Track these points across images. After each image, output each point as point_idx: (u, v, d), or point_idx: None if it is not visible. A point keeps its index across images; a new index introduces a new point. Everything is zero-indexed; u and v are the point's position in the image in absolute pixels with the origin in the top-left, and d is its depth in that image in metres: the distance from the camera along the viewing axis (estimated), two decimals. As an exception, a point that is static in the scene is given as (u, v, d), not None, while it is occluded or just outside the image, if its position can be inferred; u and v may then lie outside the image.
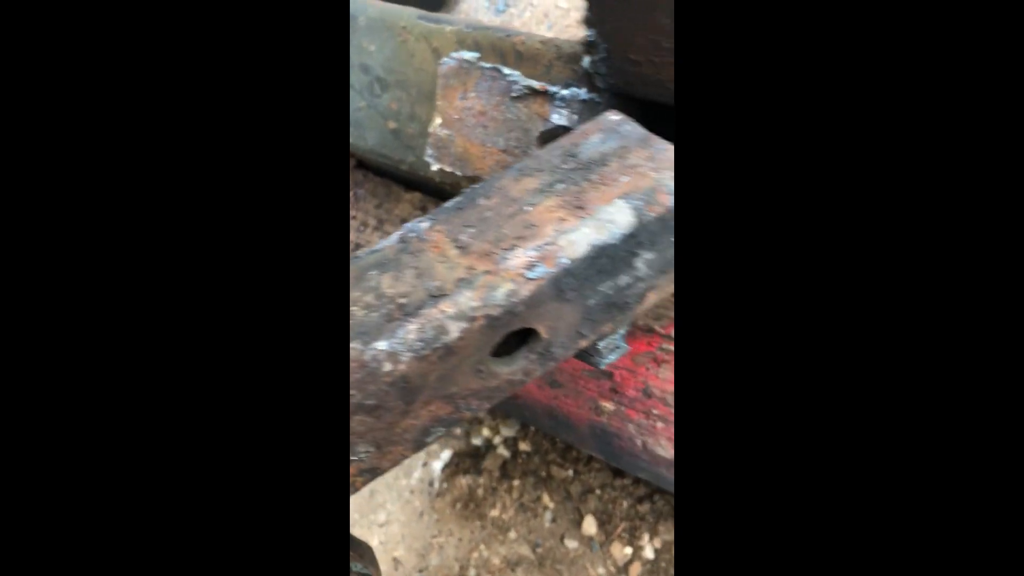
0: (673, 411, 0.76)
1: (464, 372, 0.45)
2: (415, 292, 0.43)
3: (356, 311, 0.43)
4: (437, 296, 0.43)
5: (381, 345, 0.41)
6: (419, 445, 0.47)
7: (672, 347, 0.78)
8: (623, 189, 0.46)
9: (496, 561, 1.23)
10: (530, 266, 0.44)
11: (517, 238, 0.45)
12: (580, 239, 0.45)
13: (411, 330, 0.42)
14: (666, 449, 0.76)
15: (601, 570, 1.16)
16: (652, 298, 0.50)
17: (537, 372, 0.48)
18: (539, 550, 1.21)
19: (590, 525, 1.18)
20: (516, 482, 1.26)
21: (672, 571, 1.13)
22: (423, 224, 0.47)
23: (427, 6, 1.61)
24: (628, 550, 1.15)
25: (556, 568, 1.20)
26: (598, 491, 1.20)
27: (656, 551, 1.15)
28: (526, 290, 0.44)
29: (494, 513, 1.25)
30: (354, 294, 0.44)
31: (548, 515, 1.21)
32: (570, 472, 1.23)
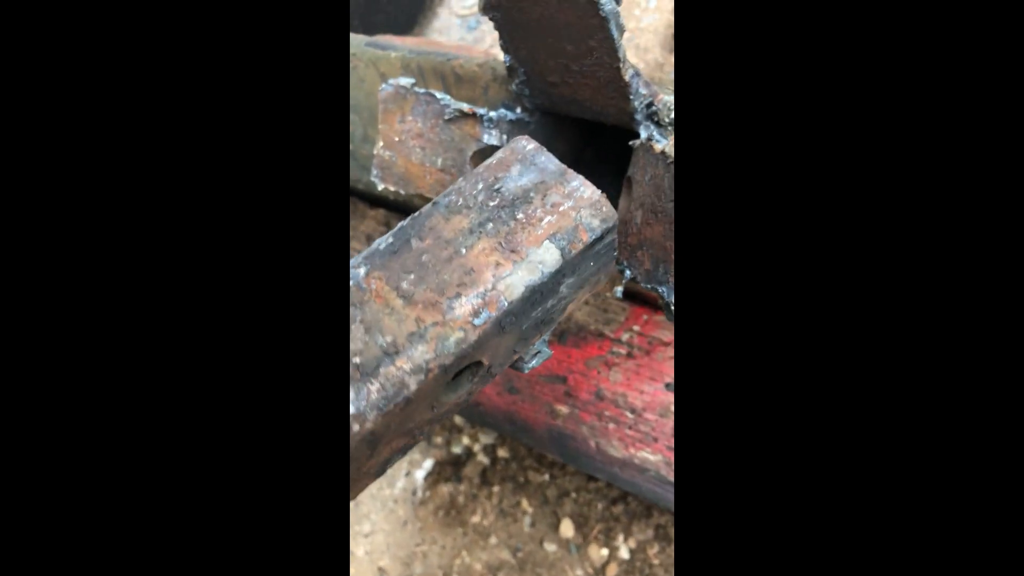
0: (623, 412, 0.79)
1: (421, 411, 0.48)
2: (368, 349, 0.45)
3: None
4: (392, 353, 0.45)
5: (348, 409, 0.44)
6: (380, 473, 0.50)
7: (622, 351, 0.81)
8: (549, 230, 0.50)
9: (478, 567, 1.25)
10: (475, 313, 0.47)
11: (459, 285, 0.47)
12: (517, 282, 0.48)
13: (373, 391, 0.44)
14: (617, 449, 0.79)
15: (580, 572, 1.18)
16: (571, 308, 0.54)
17: (478, 390, 0.52)
18: (519, 554, 1.23)
19: (567, 528, 1.20)
20: (495, 488, 1.29)
21: (647, 571, 1.15)
22: (359, 271, 0.48)
23: (399, 26, 1.64)
24: (604, 551, 1.17)
25: (536, 572, 1.22)
26: (573, 494, 1.22)
27: (631, 551, 1.17)
28: (474, 335, 0.47)
29: (475, 519, 1.27)
30: None
31: (527, 520, 1.24)
32: (546, 476, 1.25)
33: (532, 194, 0.51)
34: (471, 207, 0.51)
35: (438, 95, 0.63)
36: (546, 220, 0.50)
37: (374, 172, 0.68)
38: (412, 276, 0.48)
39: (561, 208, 0.51)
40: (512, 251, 0.49)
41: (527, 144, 0.53)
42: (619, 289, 0.60)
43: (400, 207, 0.95)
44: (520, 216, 0.50)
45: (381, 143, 0.66)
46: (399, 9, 1.59)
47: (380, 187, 0.68)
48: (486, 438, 1.33)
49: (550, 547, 1.20)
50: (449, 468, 1.33)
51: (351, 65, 0.79)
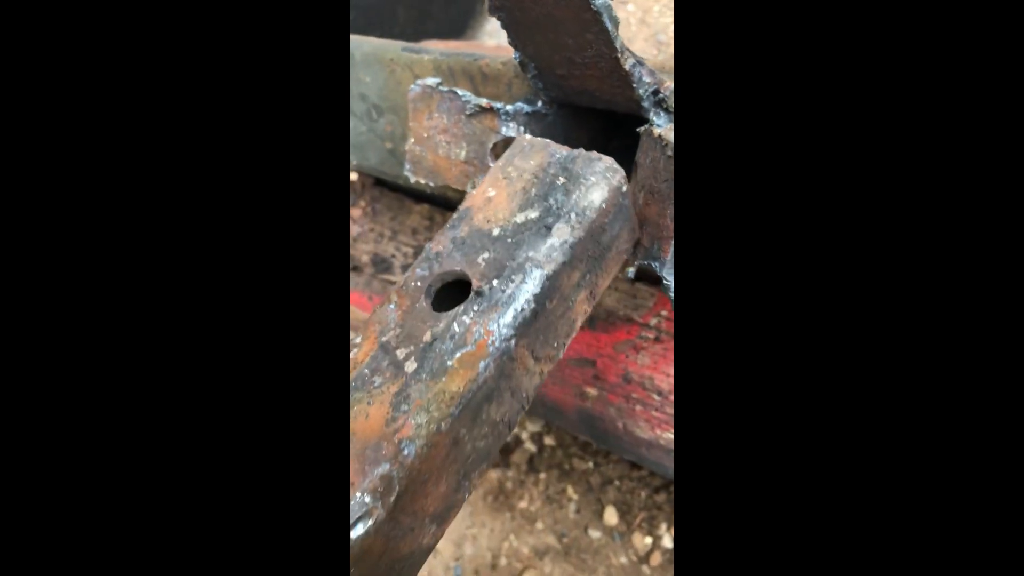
0: (650, 395, 0.81)
1: None
2: (511, 409, 0.53)
3: (480, 444, 0.52)
4: (524, 405, 0.54)
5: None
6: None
7: (650, 335, 0.83)
8: (613, 273, 0.59)
9: (525, 551, 1.29)
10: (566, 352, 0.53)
11: (566, 336, 0.56)
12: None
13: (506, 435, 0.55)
14: (644, 430, 0.81)
15: (623, 559, 1.20)
16: None
17: None
18: (565, 540, 1.26)
19: (611, 516, 1.22)
20: (542, 475, 1.32)
21: (689, 559, 1.15)
22: (511, 343, 0.52)
23: (450, 32, 1.71)
24: (648, 540, 1.18)
25: (581, 558, 1.24)
26: (617, 482, 1.24)
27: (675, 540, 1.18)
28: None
29: (522, 505, 1.31)
30: (477, 430, 0.51)
31: (572, 506, 1.26)
32: (590, 464, 1.28)
33: (615, 242, 0.58)
34: (582, 260, 0.56)
35: (460, 92, 0.67)
36: (614, 265, 0.58)
37: (407, 167, 0.74)
38: (542, 338, 0.54)
39: (624, 252, 0.59)
40: (594, 296, 0.57)
41: (625, 195, 0.57)
42: (631, 270, 0.63)
43: (440, 201, 1.00)
44: (603, 264, 0.57)
45: (412, 139, 0.71)
46: (450, 16, 1.66)
47: (412, 180, 0.74)
48: (533, 426, 1.37)
49: (595, 534, 1.22)
50: (498, 454, 1.38)
51: (389, 70, 0.85)
